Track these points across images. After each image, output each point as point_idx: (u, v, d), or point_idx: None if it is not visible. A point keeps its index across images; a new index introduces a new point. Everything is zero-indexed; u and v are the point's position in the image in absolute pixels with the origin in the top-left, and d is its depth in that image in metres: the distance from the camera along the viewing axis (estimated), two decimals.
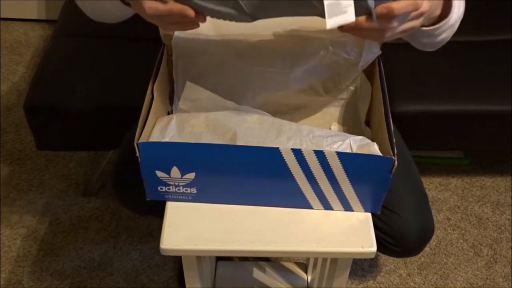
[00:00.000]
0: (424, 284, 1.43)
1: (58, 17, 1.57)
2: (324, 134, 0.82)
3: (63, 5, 1.61)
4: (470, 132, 1.44)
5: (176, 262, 1.43)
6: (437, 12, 0.79)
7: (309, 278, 1.33)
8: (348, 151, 0.80)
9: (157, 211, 0.86)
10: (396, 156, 0.75)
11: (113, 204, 1.55)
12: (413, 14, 0.71)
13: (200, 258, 0.92)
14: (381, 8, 0.68)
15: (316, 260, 1.21)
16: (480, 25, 1.56)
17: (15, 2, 2.06)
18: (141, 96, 0.83)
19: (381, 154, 0.78)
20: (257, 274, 1.34)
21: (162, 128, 0.83)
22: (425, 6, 0.72)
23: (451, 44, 1.50)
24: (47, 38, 2.05)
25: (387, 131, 0.79)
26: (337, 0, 0.66)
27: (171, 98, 0.96)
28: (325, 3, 0.66)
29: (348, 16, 0.67)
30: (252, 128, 0.82)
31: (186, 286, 0.95)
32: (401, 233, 0.96)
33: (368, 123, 0.95)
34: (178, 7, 0.72)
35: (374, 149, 0.80)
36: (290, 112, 0.96)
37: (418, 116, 1.37)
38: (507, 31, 1.54)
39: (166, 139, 0.81)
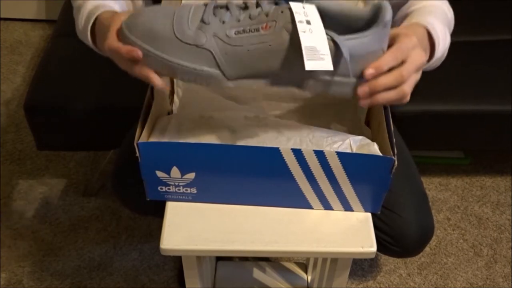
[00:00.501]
0: (424, 284, 1.43)
1: (58, 17, 1.57)
2: (324, 134, 0.82)
3: (63, 5, 1.61)
4: (470, 132, 1.44)
5: (176, 262, 1.43)
6: (428, 52, 0.81)
7: (309, 278, 1.33)
8: (348, 151, 0.80)
9: (158, 211, 0.86)
10: (396, 156, 0.75)
11: (113, 204, 1.55)
12: (413, 68, 0.72)
13: (200, 258, 0.92)
14: (370, 71, 0.69)
15: (316, 260, 1.21)
16: (479, 25, 1.56)
17: (15, 2, 2.06)
18: (141, 96, 0.83)
19: (381, 154, 0.78)
20: (257, 274, 1.34)
21: (162, 128, 0.83)
22: (416, 57, 0.72)
23: (451, 44, 1.50)
24: (47, 38, 2.05)
25: (387, 131, 0.79)
26: (313, 46, 0.66)
27: (171, 98, 0.96)
28: (303, 46, 0.66)
29: (326, 64, 0.67)
30: (252, 128, 0.82)
31: (186, 286, 0.95)
32: (401, 233, 0.96)
33: (368, 123, 0.95)
34: (126, 47, 0.70)
35: (374, 149, 0.80)
36: (290, 112, 0.96)
37: (418, 116, 1.37)
38: (506, 31, 1.54)
39: (166, 139, 0.81)
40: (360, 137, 0.82)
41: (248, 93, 0.94)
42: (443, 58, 0.88)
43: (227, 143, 0.80)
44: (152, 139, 0.81)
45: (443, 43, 0.83)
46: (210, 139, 0.81)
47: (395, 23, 0.85)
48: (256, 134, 0.82)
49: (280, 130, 0.82)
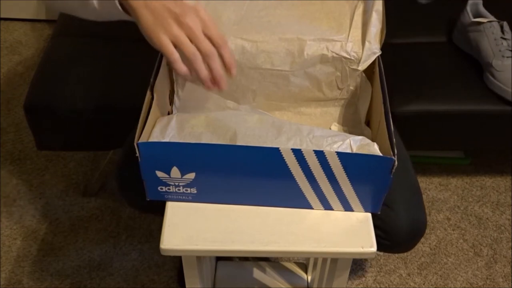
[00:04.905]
0: (424, 284, 1.43)
1: (58, 17, 1.57)
2: (324, 134, 0.82)
3: None
4: (470, 132, 1.44)
5: (176, 262, 1.43)
6: None
7: (309, 278, 1.33)
8: (348, 151, 0.80)
9: (160, 209, 0.86)
10: (396, 156, 0.75)
11: (113, 204, 1.55)
12: None
13: (200, 258, 0.92)
14: None
15: (316, 260, 1.21)
16: None
17: (15, 2, 2.06)
18: (141, 96, 0.83)
19: (381, 154, 0.78)
20: (257, 274, 1.34)
21: (162, 128, 0.83)
22: None
23: (451, 44, 1.50)
24: (47, 38, 2.05)
25: (387, 131, 0.79)
26: None
27: (171, 98, 0.96)
28: None
29: None
30: (252, 128, 0.82)
31: (186, 286, 0.95)
32: (392, 226, 0.95)
33: (368, 123, 0.95)
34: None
35: (374, 149, 0.80)
36: (290, 112, 0.96)
37: (418, 116, 1.37)
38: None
39: (166, 139, 0.81)
40: (360, 137, 0.82)
41: (248, 93, 0.95)
42: None
43: (227, 143, 0.80)
44: (152, 139, 0.81)
45: None
46: (210, 139, 0.81)
47: None
48: (256, 134, 0.82)
49: (280, 130, 0.82)
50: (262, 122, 0.84)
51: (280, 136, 0.81)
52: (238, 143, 0.79)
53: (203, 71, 0.77)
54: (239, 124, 0.83)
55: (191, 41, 0.75)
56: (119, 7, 0.79)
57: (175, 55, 0.75)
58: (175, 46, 0.75)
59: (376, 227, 0.95)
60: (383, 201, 0.94)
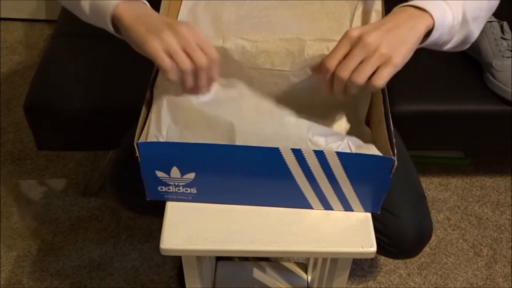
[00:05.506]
0: (424, 284, 1.43)
1: (58, 17, 1.57)
2: (324, 134, 0.82)
3: None
4: (470, 132, 1.44)
5: (176, 262, 1.43)
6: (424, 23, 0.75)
7: (309, 278, 1.33)
8: (347, 150, 0.80)
9: (156, 210, 0.86)
10: (396, 156, 0.75)
11: (113, 204, 1.55)
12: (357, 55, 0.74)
13: (200, 258, 0.92)
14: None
15: (316, 260, 1.21)
16: None
17: (15, 2, 2.06)
18: (140, 96, 0.83)
19: (381, 154, 0.78)
20: (257, 274, 1.34)
21: (156, 122, 0.82)
22: (367, 40, 0.73)
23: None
24: (47, 38, 2.05)
25: (387, 131, 0.79)
26: None
27: None
28: None
29: None
30: (250, 124, 0.82)
31: (186, 286, 0.95)
32: (397, 233, 0.95)
33: (368, 123, 0.95)
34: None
35: (372, 149, 0.80)
36: (290, 112, 0.96)
37: (418, 116, 1.37)
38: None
39: (164, 133, 0.81)
40: (357, 138, 0.82)
41: (248, 92, 0.94)
42: (469, 28, 0.81)
43: (225, 140, 0.80)
44: (150, 136, 0.81)
45: (442, 15, 0.76)
46: (206, 134, 0.81)
47: None
48: (256, 133, 0.81)
49: (279, 129, 0.82)
50: (262, 122, 0.84)
51: (279, 136, 0.81)
52: (237, 141, 0.79)
53: (189, 84, 0.76)
54: (235, 115, 0.81)
55: (184, 50, 0.74)
56: (111, 26, 0.82)
57: (167, 63, 0.72)
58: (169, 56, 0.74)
59: (382, 234, 0.95)
60: (387, 207, 0.94)
